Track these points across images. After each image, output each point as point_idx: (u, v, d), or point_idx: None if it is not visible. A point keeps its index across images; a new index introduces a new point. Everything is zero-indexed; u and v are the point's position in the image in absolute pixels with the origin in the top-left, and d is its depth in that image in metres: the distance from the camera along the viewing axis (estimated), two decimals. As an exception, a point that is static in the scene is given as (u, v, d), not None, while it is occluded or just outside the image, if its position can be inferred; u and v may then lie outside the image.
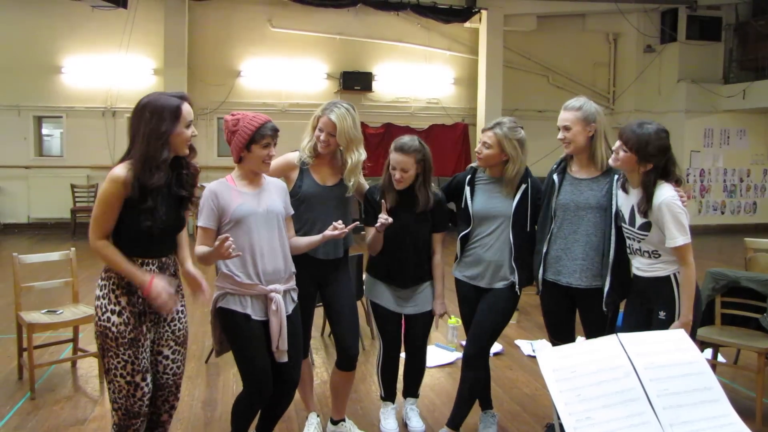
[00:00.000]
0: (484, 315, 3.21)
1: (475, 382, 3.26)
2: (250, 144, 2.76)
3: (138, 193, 2.35)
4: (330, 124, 3.06)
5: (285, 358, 2.84)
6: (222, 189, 2.79)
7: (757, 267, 4.38)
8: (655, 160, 2.74)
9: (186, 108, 2.44)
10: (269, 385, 2.83)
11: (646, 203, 2.77)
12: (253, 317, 2.78)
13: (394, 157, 3.17)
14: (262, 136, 2.75)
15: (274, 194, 2.91)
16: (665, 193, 2.73)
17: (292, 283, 2.94)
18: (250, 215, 2.76)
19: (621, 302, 3.09)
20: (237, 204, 2.77)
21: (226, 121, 2.83)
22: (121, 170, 2.35)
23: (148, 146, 2.36)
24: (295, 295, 2.96)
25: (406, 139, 3.22)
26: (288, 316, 2.84)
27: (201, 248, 2.71)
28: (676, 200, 2.72)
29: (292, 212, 2.99)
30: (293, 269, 2.94)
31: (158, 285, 2.41)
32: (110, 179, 2.34)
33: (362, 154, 3.16)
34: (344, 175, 3.14)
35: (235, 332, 2.79)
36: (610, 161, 2.88)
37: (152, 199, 2.37)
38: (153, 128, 2.36)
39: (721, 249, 10.08)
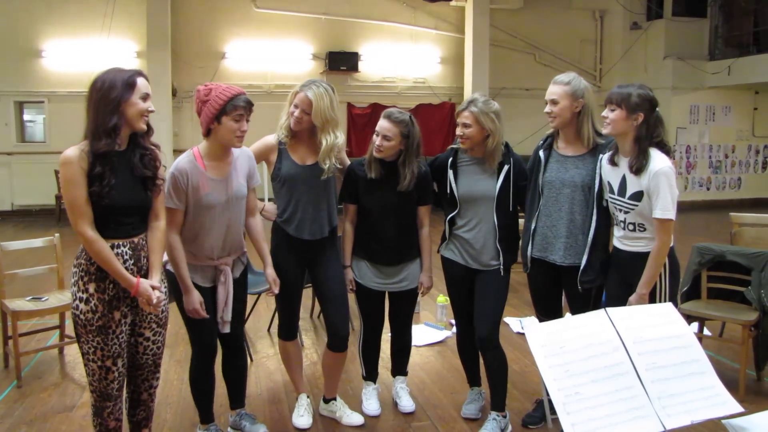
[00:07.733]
0: (485, 296, 3.19)
1: (495, 360, 3.25)
2: (221, 115, 2.68)
3: (92, 163, 2.30)
4: (306, 101, 2.98)
5: (227, 329, 2.90)
6: (192, 170, 2.73)
7: (742, 241, 4.42)
8: (642, 110, 2.74)
9: (141, 81, 2.38)
10: (215, 340, 2.94)
11: (640, 159, 2.74)
12: (201, 284, 2.82)
13: (380, 123, 3.12)
14: (234, 107, 2.67)
15: (241, 174, 2.87)
16: (664, 162, 2.72)
17: (244, 251, 3.00)
18: (217, 205, 2.75)
19: (600, 282, 3.06)
20: (205, 192, 2.73)
21: (198, 91, 2.76)
22: (70, 150, 2.31)
23: (97, 113, 2.32)
24: (244, 259, 3.00)
25: (396, 109, 3.18)
26: (236, 279, 2.92)
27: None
28: (674, 174, 2.72)
29: (258, 182, 2.97)
30: (244, 245, 2.99)
31: (144, 288, 2.42)
32: (63, 163, 2.30)
33: (339, 138, 3.06)
34: (319, 157, 3.05)
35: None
36: (602, 129, 2.86)
37: (100, 166, 2.30)
38: (103, 95, 2.32)
39: (707, 224, 10.16)
